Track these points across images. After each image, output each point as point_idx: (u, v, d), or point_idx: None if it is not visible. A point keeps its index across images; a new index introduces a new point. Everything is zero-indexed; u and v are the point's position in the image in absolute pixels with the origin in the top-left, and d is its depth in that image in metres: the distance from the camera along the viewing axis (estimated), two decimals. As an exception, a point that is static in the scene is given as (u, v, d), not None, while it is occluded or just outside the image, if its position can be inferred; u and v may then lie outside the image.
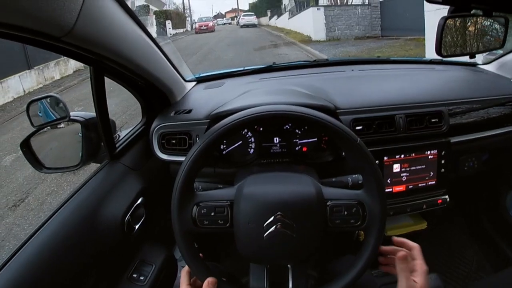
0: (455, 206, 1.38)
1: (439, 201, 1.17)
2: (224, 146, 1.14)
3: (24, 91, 8.75)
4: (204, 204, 0.71)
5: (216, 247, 1.33)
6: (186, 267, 0.75)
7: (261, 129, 1.12)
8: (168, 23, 22.02)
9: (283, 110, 0.71)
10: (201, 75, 1.56)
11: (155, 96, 1.17)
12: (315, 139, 1.13)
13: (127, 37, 0.82)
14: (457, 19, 1.04)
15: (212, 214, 0.71)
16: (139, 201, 1.05)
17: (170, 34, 21.27)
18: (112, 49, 0.77)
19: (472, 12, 0.99)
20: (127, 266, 1.01)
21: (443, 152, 1.12)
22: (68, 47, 0.66)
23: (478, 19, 1.10)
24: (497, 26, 1.13)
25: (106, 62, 0.81)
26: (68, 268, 0.80)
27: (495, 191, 1.56)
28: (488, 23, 1.12)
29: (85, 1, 0.60)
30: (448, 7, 0.97)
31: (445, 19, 0.97)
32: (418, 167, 1.12)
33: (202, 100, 1.26)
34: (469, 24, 1.11)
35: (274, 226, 0.68)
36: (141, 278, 0.99)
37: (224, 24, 37.41)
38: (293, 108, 0.71)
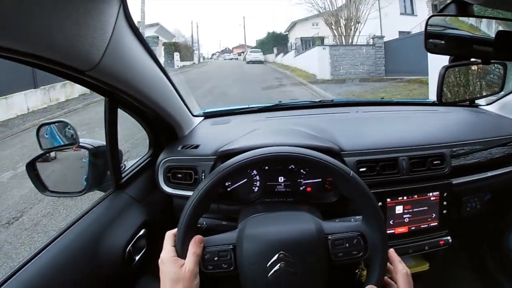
0: (458, 246, 1.36)
1: (442, 242, 1.16)
2: (229, 183, 1.14)
3: (28, 109, 8.81)
4: (207, 250, 0.72)
5: None
6: (171, 231, 0.74)
7: (266, 168, 1.13)
8: (176, 55, 22.39)
9: (278, 152, 0.73)
10: (208, 110, 1.59)
11: (164, 129, 1.19)
12: (320, 179, 1.14)
13: (145, 73, 0.86)
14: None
15: (216, 259, 0.71)
16: (141, 233, 1.04)
17: (178, 66, 21.50)
18: (131, 84, 0.81)
19: (471, 60, 1.03)
20: None
21: (445, 194, 1.13)
22: (90, 80, 0.69)
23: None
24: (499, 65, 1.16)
25: (122, 95, 0.85)
26: None
27: (498, 231, 1.54)
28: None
29: (111, 38, 0.63)
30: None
31: (445, 68, 1.00)
32: (420, 208, 1.12)
33: (209, 136, 1.28)
34: (471, 64, 1.13)
35: (278, 265, 0.68)
36: None
37: (231, 59, 37.23)
38: (288, 149, 0.73)
